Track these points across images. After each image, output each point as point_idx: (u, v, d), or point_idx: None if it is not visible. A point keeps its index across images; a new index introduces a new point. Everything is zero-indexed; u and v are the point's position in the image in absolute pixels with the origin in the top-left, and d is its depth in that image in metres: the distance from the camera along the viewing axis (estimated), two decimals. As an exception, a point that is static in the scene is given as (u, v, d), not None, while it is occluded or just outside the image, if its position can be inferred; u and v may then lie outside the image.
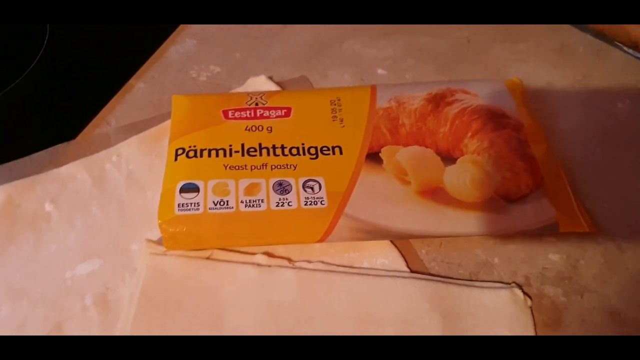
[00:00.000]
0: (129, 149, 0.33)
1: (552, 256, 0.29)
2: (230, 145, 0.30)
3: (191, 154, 0.29)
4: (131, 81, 0.38)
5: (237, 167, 0.29)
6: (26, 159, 0.33)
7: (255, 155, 0.29)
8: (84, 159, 0.33)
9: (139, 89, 0.37)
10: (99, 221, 0.30)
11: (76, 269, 0.28)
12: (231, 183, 0.28)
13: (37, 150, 0.33)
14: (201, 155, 0.29)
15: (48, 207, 0.30)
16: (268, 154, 0.29)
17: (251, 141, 0.30)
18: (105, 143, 0.34)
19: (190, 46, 0.41)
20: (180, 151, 0.29)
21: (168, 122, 0.33)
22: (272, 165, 0.29)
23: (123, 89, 0.37)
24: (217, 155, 0.29)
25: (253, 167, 0.29)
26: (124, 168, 0.32)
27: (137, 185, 0.32)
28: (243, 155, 0.29)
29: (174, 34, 0.41)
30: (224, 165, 0.29)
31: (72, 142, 0.34)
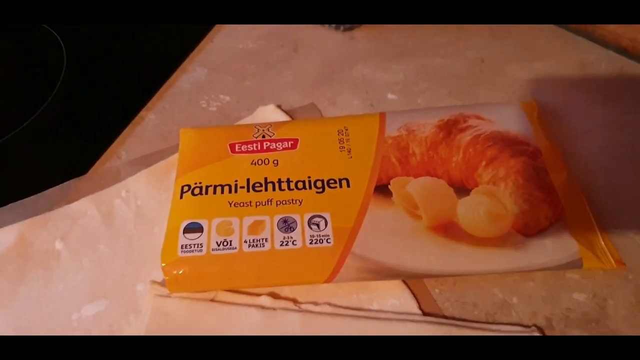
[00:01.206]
0: (138, 184, 0.33)
1: (577, 295, 0.27)
2: (236, 181, 0.29)
3: (196, 191, 0.29)
4: (142, 112, 0.38)
5: (241, 204, 0.28)
6: (39, 195, 0.33)
7: (260, 191, 0.29)
8: (94, 194, 0.33)
9: (150, 121, 0.38)
10: (106, 259, 0.30)
11: (82, 310, 0.28)
12: (235, 221, 0.27)
13: (51, 186, 0.33)
14: (206, 192, 0.29)
15: (58, 244, 0.31)
16: (273, 189, 0.29)
17: (257, 176, 0.29)
18: (115, 177, 0.34)
19: (201, 75, 0.41)
20: (185, 188, 0.29)
21: (176, 155, 0.33)
22: (277, 201, 0.28)
23: (134, 120, 0.38)
24: (222, 192, 0.29)
25: (258, 204, 0.28)
26: (133, 203, 0.32)
27: (146, 220, 0.31)
28: (248, 190, 0.29)
29: (185, 62, 0.42)
30: (228, 202, 0.28)
31: (83, 177, 0.34)
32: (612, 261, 0.27)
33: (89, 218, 0.32)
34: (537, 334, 0.25)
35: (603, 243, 0.28)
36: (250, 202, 0.28)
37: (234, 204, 0.28)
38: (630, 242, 0.28)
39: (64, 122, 0.38)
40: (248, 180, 0.29)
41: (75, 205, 0.32)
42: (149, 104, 0.39)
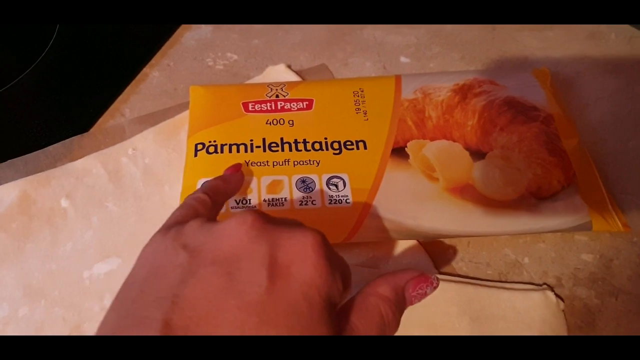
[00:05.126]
0: (145, 142, 0.32)
1: (585, 256, 0.28)
2: (251, 140, 0.29)
3: (211, 149, 0.28)
4: (145, 70, 0.37)
5: (258, 164, 0.28)
6: (40, 152, 0.32)
7: (277, 151, 0.28)
8: (99, 152, 0.32)
9: (154, 78, 0.36)
10: (116, 217, 0.29)
11: (94, 268, 0.27)
12: (253, 180, 0.27)
13: (52, 143, 0.32)
14: (222, 151, 0.28)
15: (64, 202, 0.30)
16: (290, 149, 0.28)
17: (272, 136, 0.29)
18: (120, 135, 0.33)
19: (206, 32, 0.39)
20: (200, 146, 0.28)
21: (184, 114, 0.32)
22: (294, 161, 0.28)
23: (137, 78, 0.36)
24: (237, 151, 0.28)
25: (275, 163, 0.28)
26: (140, 162, 0.31)
27: (154, 179, 0.31)
28: (265, 150, 0.28)
29: (187, 19, 0.40)
30: (245, 161, 0.28)
31: (87, 135, 0.33)
32: (619, 224, 0.28)
33: (94, 176, 0.31)
34: (548, 292, 0.26)
35: (611, 207, 0.28)
36: (267, 161, 0.28)
37: (251, 163, 0.28)
38: (636, 207, 0.29)
39: (61, 77, 0.36)
40: (264, 139, 0.29)
41: (79, 163, 0.31)
42: (153, 61, 0.37)
